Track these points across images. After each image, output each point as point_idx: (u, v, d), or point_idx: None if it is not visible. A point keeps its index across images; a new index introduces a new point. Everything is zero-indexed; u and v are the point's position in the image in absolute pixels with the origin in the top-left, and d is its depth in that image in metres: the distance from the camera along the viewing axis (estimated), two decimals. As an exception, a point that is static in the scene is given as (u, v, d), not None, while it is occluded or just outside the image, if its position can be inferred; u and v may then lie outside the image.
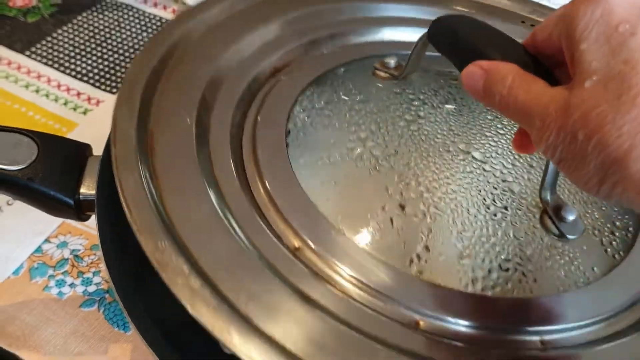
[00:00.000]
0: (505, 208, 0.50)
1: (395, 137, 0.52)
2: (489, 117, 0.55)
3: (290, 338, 0.39)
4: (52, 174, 0.57)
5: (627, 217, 0.53)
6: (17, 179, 0.55)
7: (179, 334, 0.52)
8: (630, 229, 0.52)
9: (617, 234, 0.51)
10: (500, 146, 0.53)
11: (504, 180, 0.51)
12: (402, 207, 0.47)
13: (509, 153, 0.53)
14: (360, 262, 0.45)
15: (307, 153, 0.52)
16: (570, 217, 0.49)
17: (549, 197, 0.50)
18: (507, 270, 0.46)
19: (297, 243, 0.46)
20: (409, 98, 0.55)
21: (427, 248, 0.46)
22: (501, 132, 0.54)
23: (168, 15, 1.07)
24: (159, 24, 1.05)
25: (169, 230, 0.44)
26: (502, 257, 0.47)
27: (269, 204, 0.48)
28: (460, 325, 0.43)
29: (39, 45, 0.98)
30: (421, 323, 0.43)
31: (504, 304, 0.45)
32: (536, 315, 0.46)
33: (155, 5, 1.08)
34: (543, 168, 0.51)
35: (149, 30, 1.03)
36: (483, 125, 0.55)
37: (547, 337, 0.44)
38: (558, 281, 0.47)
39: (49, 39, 0.99)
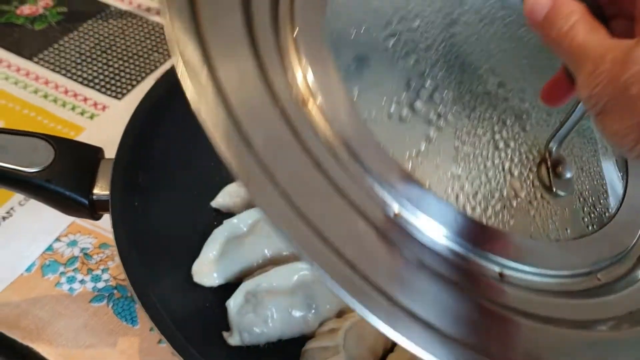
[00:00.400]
0: (510, 142, 0.50)
1: (432, 33, 0.51)
2: (526, 51, 0.55)
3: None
4: (68, 175, 0.61)
5: (611, 199, 0.55)
6: (35, 180, 0.59)
7: (187, 324, 0.56)
8: (611, 210, 0.55)
9: (597, 209, 0.54)
10: (529, 85, 0.54)
11: (519, 117, 0.52)
12: (412, 107, 0.48)
13: (535, 95, 0.52)
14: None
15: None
16: (567, 175, 0.51)
17: (554, 149, 0.51)
18: (491, 197, 0.48)
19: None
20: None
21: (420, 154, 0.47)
22: (534, 74, 0.54)
23: (170, 23, 1.10)
24: (161, 31, 1.08)
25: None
26: (492, 184, 0.48)
27: None
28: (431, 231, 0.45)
29: (46, 52, 1.02)
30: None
31: (479, 227, 0.47)
32: (502, 247, 0.47)
33: (158, 13, 1.12)
34: (561, 120, 0.50)
35: (152, 37, 1.07)
36: (521, 57, 0.55)
37: (506, 272, 0.46)
38: (532, 227, 0.49)
39: (56, 46, 1.03)
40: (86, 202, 0.61)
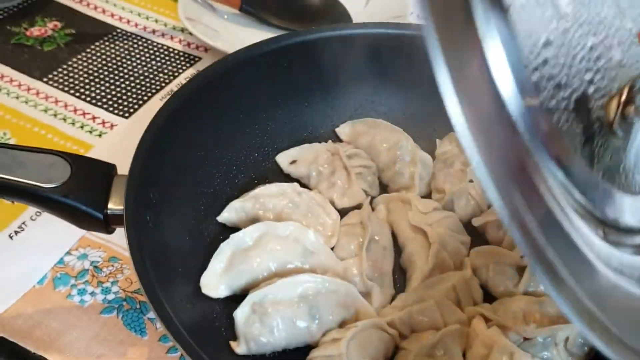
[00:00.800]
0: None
1: None
2: None
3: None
4: (84, 191, 0.64)
5: None
6: (53, 196, 0.62)
7: (196, 333, 0.59)
8: None
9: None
10: None
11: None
12: None
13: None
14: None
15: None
16: (631, 119, 0.47)
17: (636, 89, 0.47)
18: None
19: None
20: None
21: None
22: None
23: (175, 45, 1.14)
24: (166, 52, 1.12)
25: None
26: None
27: None
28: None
29: (55, 73, 1.05)
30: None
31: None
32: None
33: (163, 35, 1.16)
34: None
35: (158, 58, 1.11)
36: None
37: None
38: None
39: (64, 66, 1.07)
40: (101, 216, 0.64)
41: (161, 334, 0.73)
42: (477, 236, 0.80)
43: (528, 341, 0.66)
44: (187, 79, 0.78)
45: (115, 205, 0.64)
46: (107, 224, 0.65)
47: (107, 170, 0.67)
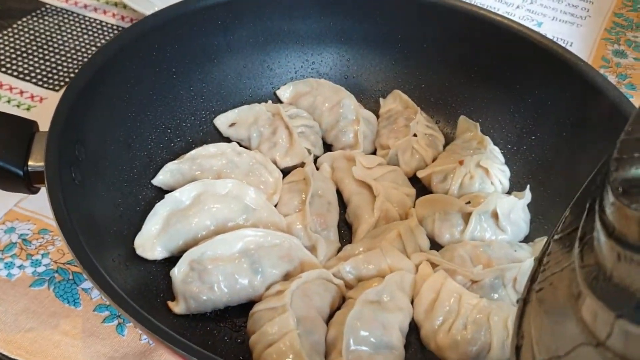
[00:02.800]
0: None
1: None
2: None
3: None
4: (2, 147, 0.59)
5: None
6: (-34, 152, 0.58)
7: (133, 296, 0.55)
8: None
9: None
10: None
11: None
12: None
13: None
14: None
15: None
16: None
17: None
18: None
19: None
20: None
21: None
22: None
23: (109, 19, 1.10)
24: (99, 27, 1.08)
25: None
26: None
27: None
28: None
29: (-21, 48, 0.99)
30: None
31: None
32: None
33: (96, 10, 1.11)
34: None
35: (90, 32, 1.06)
36: None
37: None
38: None
39: (-12, 42, 1.01)
40: (21, 172, 0.59)
41: (96, 304, 0.69)
42: (422, 189, 0.79)
43: (476, 284, 0.65)
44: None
45: (36, 162, 0.60)
46: (28, 182, 0.60)
47: (27, 126, 0.63)
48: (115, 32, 1.07)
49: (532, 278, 0.43)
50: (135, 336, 0.67)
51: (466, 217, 0.71)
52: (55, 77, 0.97)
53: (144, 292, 0.64)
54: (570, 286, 0.36)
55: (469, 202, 0.72)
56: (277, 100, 0.89)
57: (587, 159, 0.73)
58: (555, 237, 0.43)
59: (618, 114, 0.70)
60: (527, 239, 0.73)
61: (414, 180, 0.79)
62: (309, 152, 0.80)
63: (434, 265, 0.66)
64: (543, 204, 0.76)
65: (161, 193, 0.73)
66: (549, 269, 0.41)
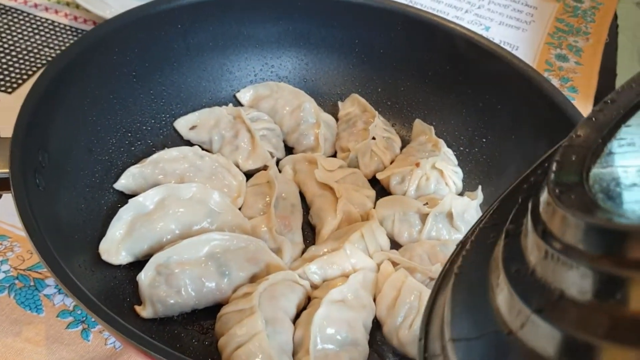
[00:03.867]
0: None
1: None
2: None
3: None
4: (-39, 154, 0.58)
5: None
6: None
7: (100, 301, 0.55)
8: None
9: None
10: None
11: None
12: None
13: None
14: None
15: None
16: None
17: None
18: None
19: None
20: None
21: None
22: None
23: (61, 19, 1.08)
24: (51, 27, 1.06)
25: None
26: None
27: None
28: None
29: None
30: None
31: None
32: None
33: (47, 9, 1.09)
34: None
35: (42, 32, 1.04)
36: None
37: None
38: None
39: None
40: (-18, 180, 0.59)
41: (59, 310, 0.69)
42: (381, 190, 0.81)
43: (433, 280, 0.68)
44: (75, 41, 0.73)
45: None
46: (-10, 189, 0.60)
47: (-13, 133, 0.62)
48: (68, 32, 1.05)
49: (452, 260, 0.43)
50: (100, 341, 0.67)
51: (423, 217, 0.75)
52: (8, 78, 0.95)
53: (111, 297, 0.64)
54: (489, 274, 0.38)
55: (426, 204, 0.75)
56: (237, 103, 0.90)
57: (534, 160, 0.77)
58: (482, 225, 0.45)
59: (562, 117, 0.75)
60: (480, 237, 0.77)
61: (373, 181, 0.82)
62: (271, 155, 0.82)
63: (394, 264, 0.69)
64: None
65: (124, 197, 0.73)
66: (471, 254, 0.42)
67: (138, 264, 0.67)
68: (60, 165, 0.67)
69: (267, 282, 0.64)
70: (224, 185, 0.76)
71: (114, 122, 0.78)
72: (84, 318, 0.68)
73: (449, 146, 0.85)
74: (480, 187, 0.79)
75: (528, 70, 0.81)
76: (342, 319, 0.62)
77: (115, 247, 0.67)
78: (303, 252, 0.72)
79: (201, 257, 0.65)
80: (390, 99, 0.93)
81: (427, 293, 0.64)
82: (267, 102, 0.89)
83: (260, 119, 0.85)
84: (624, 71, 1.13)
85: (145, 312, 0.63)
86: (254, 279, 0.67)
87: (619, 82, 1.10)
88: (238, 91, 0.90)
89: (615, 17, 1.29)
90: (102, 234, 0.68)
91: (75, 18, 1.09)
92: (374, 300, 0.67)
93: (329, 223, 0.74)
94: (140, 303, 0.64)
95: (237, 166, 0.80)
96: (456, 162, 0.84)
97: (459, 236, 0.75)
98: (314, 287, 0.68)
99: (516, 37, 1.22)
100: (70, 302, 0.69)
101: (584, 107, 1.04)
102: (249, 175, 0.79)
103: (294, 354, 0.61)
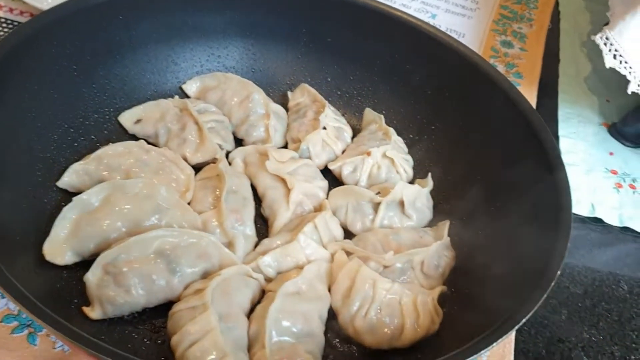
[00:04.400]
0: None
1: None
2: None
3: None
4: None
5: None
6: None
7: (45, 304, 0.53)
8: None
9: None
10: None
11: None
12: None
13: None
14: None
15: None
16: None
17: None
18: None
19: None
20: None
21: None
22: None
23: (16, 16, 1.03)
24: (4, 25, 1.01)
25: None
26: None
27: None
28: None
29: None
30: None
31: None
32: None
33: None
34: None
35: (-24, 25, 0.99)
36: None
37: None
38: None
39: None
40: None
41: (3, 315, 0.66)
42: (333, 180, 0.81)
43: (387, 269, 0.68)
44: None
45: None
46: None
47: None
48: (3, 25, 1.01)
49: None
50: (48, 345, 0.64)
51: (376, 206, 0.75)
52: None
53: (57, 298, 0.62)
54: None
55: (379, 193, 0.75)
56: (184, 95, 0.88)
57: (481, 146, 0.79)
58: None
59: (509, 104, 0.76)
60: (430, 224, 0.78)
61: (325, 172, 0.82)
62: (220, 147, 0.80)
63: (348, 254, 0.69)
64: (444, 190, 0.81)
65: (68, 196, 0.71)
66: None
67: (85, 264, 0.64)
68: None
69: (219, 277, 0.63)
70: (172, 179, 0.74)
71: (55, 118, 0.75)
72: (30, 322, 0.66)
73: (399, 134, 0.86)
74: (430, 174, 0.80)
75: (474, 57, 0.82)
76: (298, 311, 0.62)
77: (60, 247, 0.65)
78: (256, 245, 0.71)
79: (150, 255, 0.64)
80: (339, 88, 0.92)
81: (381, 282, 0.65)
82: (214, 94, 0.87)
83: (207, 110, 0.84)
84: (567, 56, 1.16)
85: (94, 313, 0.61)
86: (206, 275, 0.65)
87: (562, 67, 1.13)
88: (184, 83, 0.88)
89: (557, 3, 1.32)
90: (46, 234, 0.65)
91: (11, 10, 1.04)
92: (329, 290, 0.67)
93: (281, 215, 0.73)
94: (88, 304, 0.62)
95: (185, 160, 0.78)
96: (406, 150, 0.85)
97: (411, 223, 0.75)
98: (268, 280, 0.67)
99: (462, 25, 1.23)
100: (14, 306, 0.67)
101: (529, 92, 1.06)
102: (197, 168, 0.78)
103: (249, 349, 0.60)
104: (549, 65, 1.14)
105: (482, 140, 0.79)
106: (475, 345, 0.53)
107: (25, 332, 0.65)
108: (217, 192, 0.73)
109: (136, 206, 0.68)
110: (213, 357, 0.56)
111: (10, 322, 0.65)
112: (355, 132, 0.88)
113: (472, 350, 0.52)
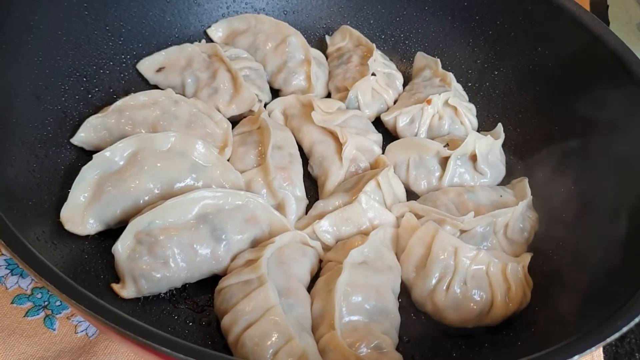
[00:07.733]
0: None
1: None
2: None
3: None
4: None
5: None
6: None
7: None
8: None
9: None
10: None
11: None
12: None
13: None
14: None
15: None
16: None
17: None
18: None
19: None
20: None
21: None
22: None
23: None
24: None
25: None
26: None
27: None
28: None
29: None
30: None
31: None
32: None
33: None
34: None
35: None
36: None
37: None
38: None
39: None
40: None
41: (14, 295, 0.56)
42: (385, 133, 0.70)
43: (465, 233, 0.58)
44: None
45: None
46: None
47: None
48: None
49: None
50: (69, 329, 0.54)
51: (443, 161, 0.65)
52: None
53: (80, 274, 0.52)
54: None
55: (447, 145, 0.65)
56: (209, 40, 0.77)
57: (556, 92, 0.68)
58: None
59: (596, 45, 0.65)
60: (503, 182, 0.68)
61: (375, 124, 0.71)
62: (258, 98, 0.70)
63: (418, 217, 0.59)
64: (514, 144, 0.71)
65: (84, 155, 0.60)
66: None
67: (111, 233, 0.54)
68: (3, 116, 0.53)
69: (273, 245, 0.53)
70: (206, 134, 0.63)
71: (65, 64, 0.64)
72: (47, 302, 0.56)
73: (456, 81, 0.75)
74: (500, 125, 0.69)
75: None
76: (369, 284, 0.52)
77: (81, 214, 0.54)
78: (307, 208, 0.61)
79: (190, 220, 0.53)
80: (384, 31, 0.81)
81: (464, 249, 0.54)
82: (244, 38, 0.76)
83: (239, 57, 0.73)
84: (617, 2, 1.06)
85: (125, 291, 0.51)
86: (255, 243, 0.55)
87: (612, 13, 1.03)
88: (209, 26, 0.77)
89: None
90: (63, 199, 0.55)
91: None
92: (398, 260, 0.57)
93: (334, 173, 0.63)
94: (118, 280, 0.52)
95: (218, 112, 0.67)
96: (467, 97, 0.74)
97: (485, 181, 0.65)
98: (326, 248, 0.57)
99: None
100: (27, 284, 0.56)
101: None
102: (232, 122, 0.67)
103: (314, 330, 0.50)
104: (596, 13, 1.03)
105: (557, 87, 0.69)
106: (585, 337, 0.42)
107: (42, 314, 0.55)
108: (260, 148, 0.63)
109: (169, 164, 0.57)
110: (275, 340, 0.46)
111: (23, 304, 0.55)
112: (406, 79, 0.77)
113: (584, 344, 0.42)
